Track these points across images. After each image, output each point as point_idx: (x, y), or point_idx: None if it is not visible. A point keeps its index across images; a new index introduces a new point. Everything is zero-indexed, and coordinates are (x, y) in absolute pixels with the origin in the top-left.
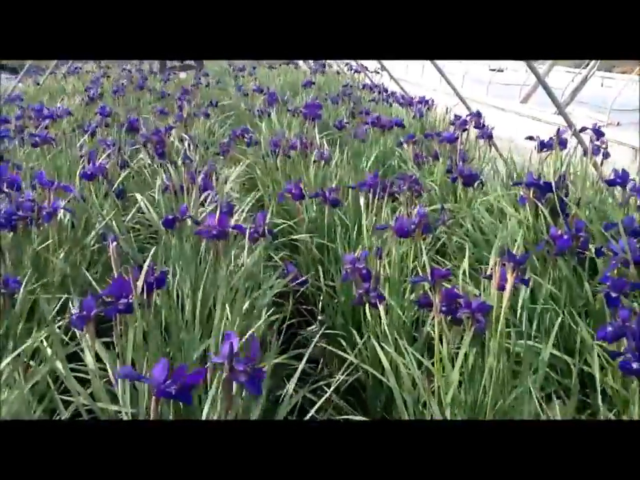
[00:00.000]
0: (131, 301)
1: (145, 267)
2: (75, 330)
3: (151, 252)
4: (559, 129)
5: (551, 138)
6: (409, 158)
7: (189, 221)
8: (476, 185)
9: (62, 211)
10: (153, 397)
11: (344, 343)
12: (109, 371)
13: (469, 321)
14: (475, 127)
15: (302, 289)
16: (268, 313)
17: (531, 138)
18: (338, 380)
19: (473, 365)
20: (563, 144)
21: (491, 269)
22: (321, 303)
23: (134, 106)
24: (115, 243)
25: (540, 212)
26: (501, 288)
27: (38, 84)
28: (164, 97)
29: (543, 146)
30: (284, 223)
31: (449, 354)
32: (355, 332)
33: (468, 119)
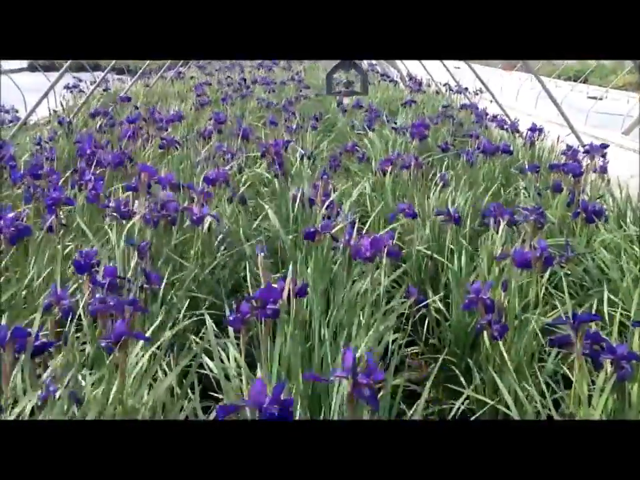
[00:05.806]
0: (277, 306)
1: (289, 277)
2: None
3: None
4: None
5: None
6: (524, 187)
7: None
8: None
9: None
10: None
11: (453, 368)
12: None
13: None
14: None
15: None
16: (389, 334)
17: None
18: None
19: (612, 412)
20: None
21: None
22: (429, 324)
23: (241, 114)
24: (262, 253)
25: None
26: None
27: (147, 86)
28: (269, 107)
29: None
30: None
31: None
32: (469, 358)
33: (586, 150)
